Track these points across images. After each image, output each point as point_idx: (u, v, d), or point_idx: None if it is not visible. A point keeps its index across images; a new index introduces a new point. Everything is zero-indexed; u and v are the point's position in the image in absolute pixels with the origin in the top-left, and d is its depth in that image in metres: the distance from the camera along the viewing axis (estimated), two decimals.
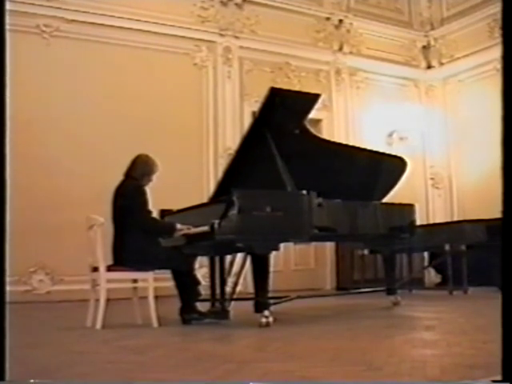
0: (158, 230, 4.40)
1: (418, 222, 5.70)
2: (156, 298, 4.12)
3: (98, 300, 4.07)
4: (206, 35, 8.51)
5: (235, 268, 4.85)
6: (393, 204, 5.28)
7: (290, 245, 6.14)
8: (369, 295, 6.23)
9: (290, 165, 4.35)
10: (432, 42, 10.21)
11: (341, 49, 9.54)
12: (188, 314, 4.29)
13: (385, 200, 5.28)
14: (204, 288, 4.52)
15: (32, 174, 6.85)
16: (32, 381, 2.12)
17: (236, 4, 8.69)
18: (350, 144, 6.30)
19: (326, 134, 8.35)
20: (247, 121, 7.79)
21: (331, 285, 8.86)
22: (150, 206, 4.32)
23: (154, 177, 4.46)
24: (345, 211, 4.70)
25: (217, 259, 4.83)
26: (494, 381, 1.84)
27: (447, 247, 7.17)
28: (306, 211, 4.13)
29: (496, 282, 6.02)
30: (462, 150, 9.73)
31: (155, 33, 8.02)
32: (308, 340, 3.43)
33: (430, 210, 9.96)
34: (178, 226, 4.21)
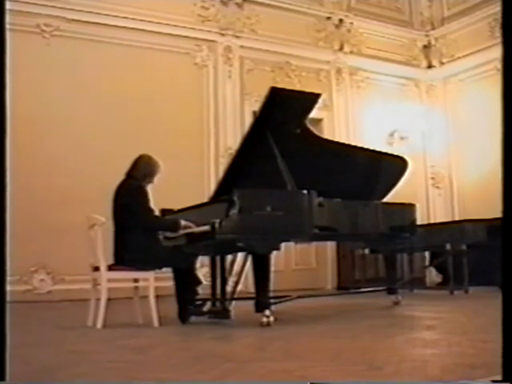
0: (162, 228, 4.41)
1: (419, 222, 5.69)
2: (157, 297, 4.12)
3: (98, 299, 4.08)
4: (206, 35, 8.51)
5: (236, 267, 4.85)
6: (393, 203, 5.27)
7: (291, 244, 6.15)
8: (370, 295, 6.22)
9: (291, 164, 4.35)
10: (433, 42, 10.21)
11: (341, 48, 9.54)
12: (187, 313, 4.30)
13: (385, 199, 5.28)
14: (205, 287, 4.52)
15: (32, 174, 6.85)
16: (32, 381, 2.12)
17: (236, 3, 8.69)
18: (351, 143, 6.30)
19: (326, 134, 8.35)
20: (248, 120, 7.79)
21: (332, 284, 8.86)
22: (152, 205, 4.33)
23: (156, 178, 4.46)
24: (345, 211, 4.70)
25: (218, 259, 4.83)
26: (494, 381, 1.84)
27: (448, 247, 7.17)
28: (307, 211, 4.13)
29: (497, 281, 6.02)
30: (462, 149, 9.73)
31: (156, 32, 8.01)
32: (309, 339, 3.43)
33: (431, 210, 9.96)
34: (182, 222, 4.21)
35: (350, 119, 9.51)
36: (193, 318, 4.37)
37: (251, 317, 4.03)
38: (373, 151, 5.27)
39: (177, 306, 4.34)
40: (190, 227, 4.21)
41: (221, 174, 5.27)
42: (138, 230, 4.20)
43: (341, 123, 9.40)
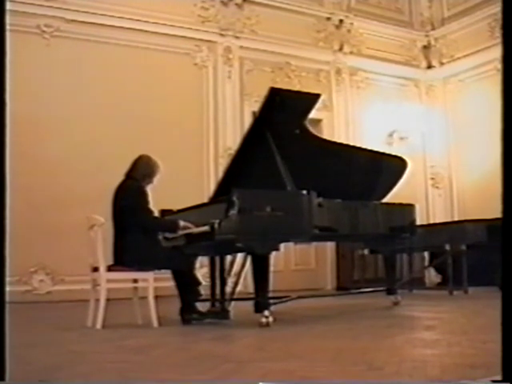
0: (161, 228, 4.41)
1: (419, 222, 5.69)
2: (156, 297, 4.12)
3: (98, 300, 4.08)
4: (206, 35, 8.52)
5: (235, 268, 4.85)
6: (393, 204, 5.27)
7: (291, 245, 6.12)
8: (369, 295, 6.22)
9: (291, 165, 4.35)
10: (432, 42, 10.21)
11: (341, 49, 9.54)
12: (188, 313, 4.29)
13: (385, 200, 5.28)
14: (204, 288, 4.52)
15: (32, 174, 6.84)
16: (32, 381, 2.12)
17: (236, 4, 8.69)
18: (351, 144, 6.30)
19: (326, 134, 8.35)
20: (247, 121, 7.78)
21: (331, 285, 8.86)
22: (151, 206, 4.33)
23: (156, 179, 4.45)
24: (345, 211, 4.70)
25: (217, 259, 4.83)
26: (493, 381, 1.84)
27: (447, 247, 7.17)
28: (307, 211, 4.13)
29: (496, 281, 6.02)
30: (462, 149, 9.73)
31: (155, 33, 8.02)
32: (308, 340, 3.43)
33: (431, 210, 9.96)
34: (181, 222, 4.21)
35: (350, 120, 9.51)
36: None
37: (250, 317, 4.03)
38: (372, 151, 5.27)
39: (179, 305, 4.33)
40: (189, 228, 4.21)
41: (220, 174, 5.27)
42: (137, 230, 4.20)
43: (340, 124, 9.40)
